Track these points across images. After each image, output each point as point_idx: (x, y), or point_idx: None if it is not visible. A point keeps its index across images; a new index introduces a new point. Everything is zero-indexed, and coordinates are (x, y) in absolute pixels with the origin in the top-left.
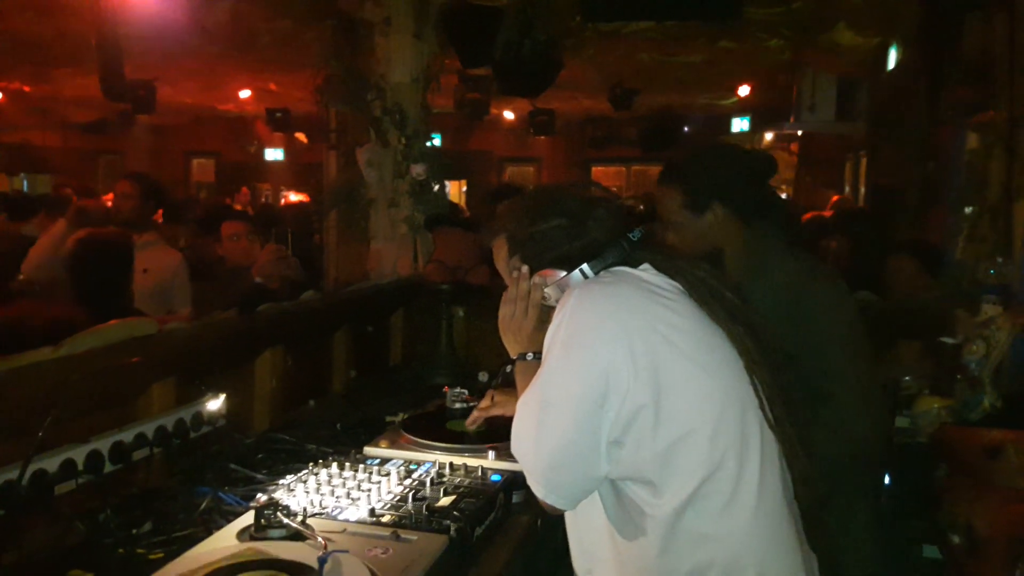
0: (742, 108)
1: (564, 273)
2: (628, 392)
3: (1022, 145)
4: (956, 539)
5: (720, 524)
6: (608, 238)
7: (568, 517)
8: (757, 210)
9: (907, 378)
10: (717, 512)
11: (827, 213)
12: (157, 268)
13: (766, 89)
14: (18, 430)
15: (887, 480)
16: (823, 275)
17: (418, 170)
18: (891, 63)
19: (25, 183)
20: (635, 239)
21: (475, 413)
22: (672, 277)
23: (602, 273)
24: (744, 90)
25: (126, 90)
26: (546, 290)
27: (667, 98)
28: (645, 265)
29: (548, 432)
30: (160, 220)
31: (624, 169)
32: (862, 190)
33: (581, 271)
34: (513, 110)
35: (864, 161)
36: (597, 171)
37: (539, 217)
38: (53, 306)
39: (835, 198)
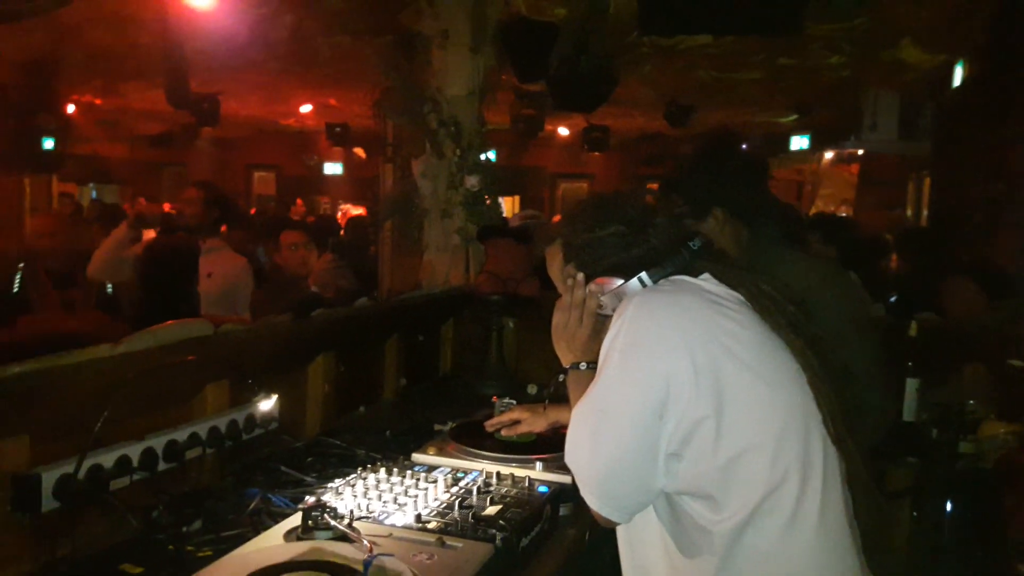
0: (802, 126)
1: (621, 281)
2: (688, 403)
3: None
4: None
5: (782, 542)
6: (667, 246)
7: (620, 532)
8: (757, 211)
9: (971, 402)
10: (779, 530)
11: (887, 234)
12: (222, 273)
13: (829, 107)
14: (77, 425)
15: (948, 508)
16: (829, 272)
17: (472, 182)
18: (957, 80)
19: (94, 193)
20: (695, 248)
21: (495, 420)
22: (734, 288)
23: (661, 282)
24: (805, 107)
25: (190, 99)
26: (601, 298)
27: (724, 115)
28: (705, 275)
29: (604, 442)
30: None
31: None
32: (924, 211)
33: (640, 279)
34: (567, 126)
35: (927, 181)
36: (652, 188)
37: (596, 223)
38: (76, 319)
39: (888, 217)
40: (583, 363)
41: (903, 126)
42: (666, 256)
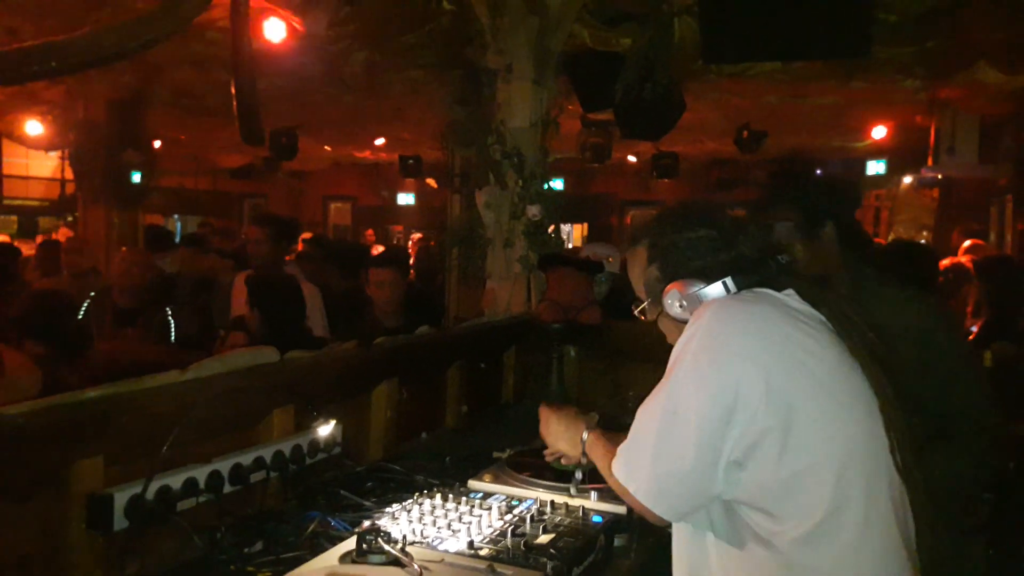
0: (878, 151)
1: (702, 285)
2: (757, 412)
3: None
4: None
5: (840, 566)
6: (755, 256)
7: (676, 542)
8: (857, 235)
9: None
10: (838, 553)
11: (965, 260)
12: None
13: (903, 131)
14: (147, 448)
15: None
16: (932, 307)
17: (533, 211)
18: None
19: (178, 224)
20: (783, 262)
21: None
22: (816, 307)
23: (743, 291)
24: (879, 132)
25: (262, 136)
26: (678, 302)
27: (797, 140)
28: (789, 291)
29: (668, 441)
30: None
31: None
32: (1008, 236)
33: (724, 284)
34: (636, 153)
35: (1010, 206)
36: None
37: (687, 225)
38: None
39: (968, 243)
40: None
41: (984, 149)
42: (753, 266)
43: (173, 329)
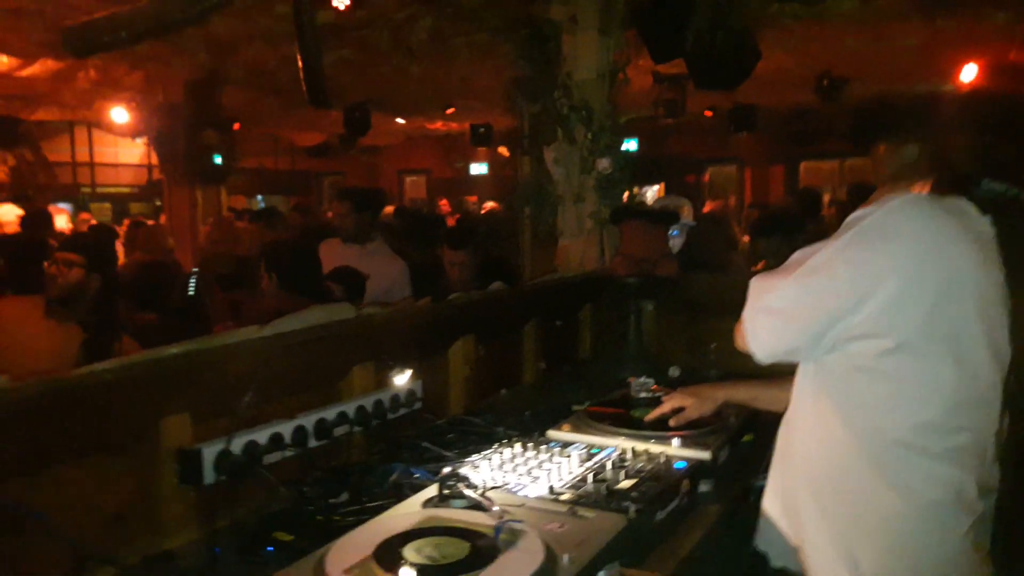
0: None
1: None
2: (884, 316)
3: None
4: None
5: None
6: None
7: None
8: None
9: None
10: (927, 466)
11: None
12: (380, 275)
13: (995, 71)
14: (232, 403)
15: None
16: None
17: (604, 164)
18: None
19: (261, 203)
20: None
21: (656, 411)
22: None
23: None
24: (969, 73)
25: (327, 95)
26: None
27: (881, 87)
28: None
29: (799, 285)
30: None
31: (837, 164)
32: None
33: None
34: (711, 109)
35: None
36: (806, 167)
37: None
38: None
39: None
40: None
41: None
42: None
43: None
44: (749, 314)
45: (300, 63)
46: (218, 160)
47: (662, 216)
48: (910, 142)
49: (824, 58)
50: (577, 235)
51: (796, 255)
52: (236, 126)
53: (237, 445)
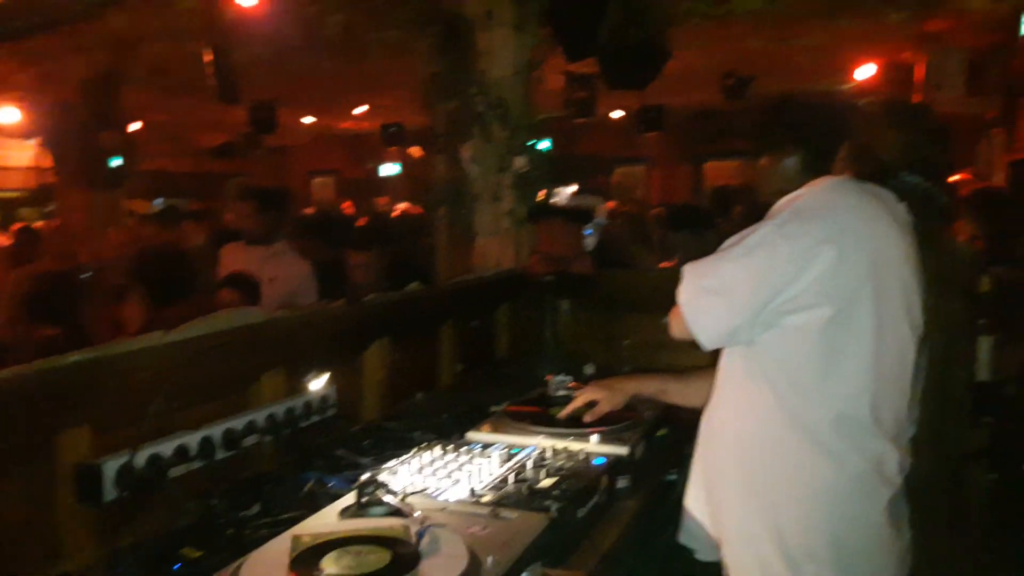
0: (864, 92)
1: None
2: (818, 287)
3: None
4: None
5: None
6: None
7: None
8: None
9: None
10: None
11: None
12: (284, 277)
13: (890, 69)
14: (135, 414)
15: None
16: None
17: (520, 163)
18: None
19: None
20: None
21: (570, 407)
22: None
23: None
24: (866, 72)
25: (237, 91)
26: None
27: (782, 85)
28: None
29: (735, 263)
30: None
31: (740, 163)
32: (997, 169)
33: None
34: (620, 109)
35: (999, 139)
36: (711, 166)
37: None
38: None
39: (960, 177)
40: None
41: (971, 83)
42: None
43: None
44: (688, 300)
45: (211, 59)
46: (116, 162)
47: (578, 215)
48: (789, 154)
49: (729, 57)
50: (494, 234)
51: (729, 240)
52: (135, 126)
53: (140, 458)
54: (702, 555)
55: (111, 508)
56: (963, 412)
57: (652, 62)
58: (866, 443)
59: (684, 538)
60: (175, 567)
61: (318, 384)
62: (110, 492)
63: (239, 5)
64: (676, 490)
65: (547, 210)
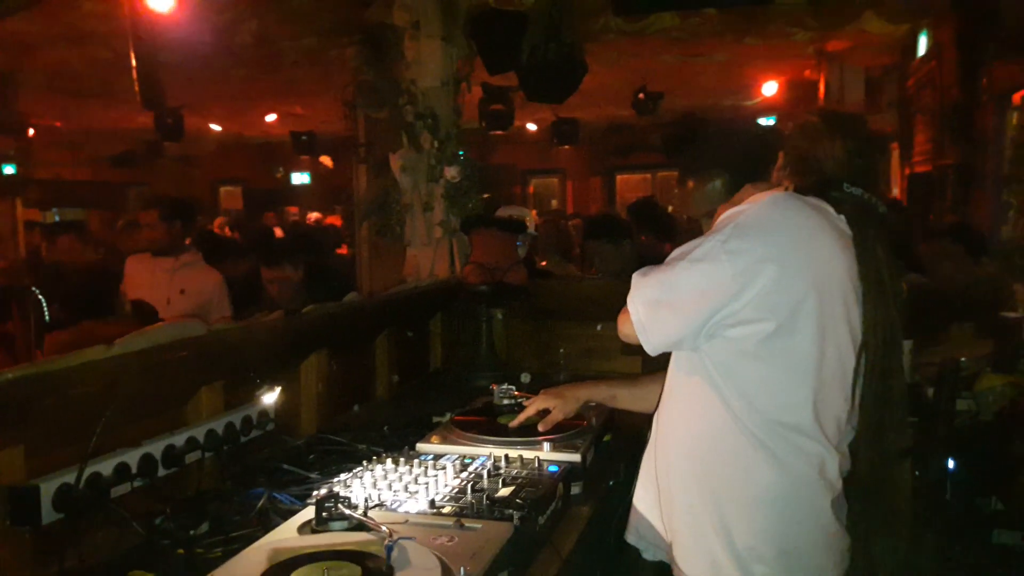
0: (768, 108)
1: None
2: (761, 301)
3: None
4: None
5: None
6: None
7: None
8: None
9: (963, 360)
10: (790, 447)
11: None
12: (195, 289)
13: (792, 86)
14: (72, 433)
15: (950, 465)
16: None
17: (452, 173)
18: (921, 50)
19: (57, 217)
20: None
21: (522, 416)
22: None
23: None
24: (770, 88)
25: (163, 98)
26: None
27: (691, 102)
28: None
29: (678, 283)
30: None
31: (649, 176)
32: (893, 183)
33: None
34: (536, 121)
35: (896, 152)
36: (622, 179)
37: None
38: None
39: None
40: None
41: (869, 100)
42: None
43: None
44: (637, 308)
45: (133, 63)
46: (11, 170)
47: (512, 225)
48: (713, 179)
49: (641, 73)
50: (426, 244)
51: (676, 251)
52: (31, 133)
53: (80, 478)
54: (649, 554)
55: (51, 531)
56: (902, 415)
57: (571, 76)
58: (809, 448)
59: (631, 537)
60: None
61: (257, 398)
62: (49, 514)
63: (149, 9)
64: (621, 493)
65: (482, 220)
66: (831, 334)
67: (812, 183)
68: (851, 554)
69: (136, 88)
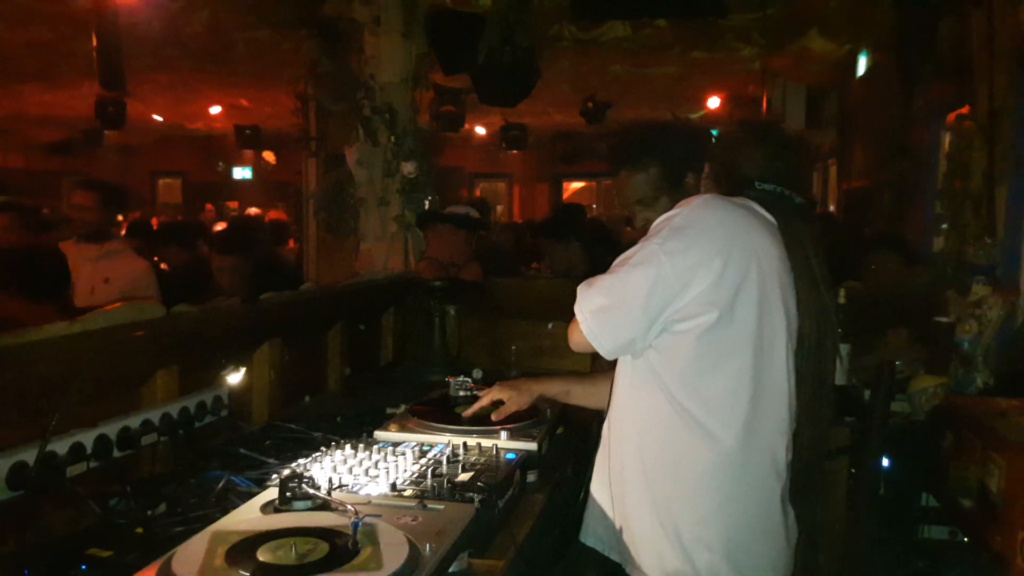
0: (711, 121)
1: None
2: (704, 294)
3: (1000, 135)
4: (967, 503)
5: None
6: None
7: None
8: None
9: (898, 363)
10: (734, 437)
11: None
12: (120, 277)
13: (736, 101)
14: (27, 411)
15: (885, 464)
16: None
17: (409, 168)
18: (861, 70)
19: None
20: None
21: (476, 406)
22: (783, 231)
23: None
24: (714, 102)
25: (124, 80)
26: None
27: (637, 112)
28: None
29: (624, 280)
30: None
31: (594, 184)
32: (831, 197)
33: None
34: (485, 126)
35: (833, 168)
36: (568, 186)
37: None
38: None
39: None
40: None
41: (810, 116)
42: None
43: None
44: (586, 317)
45: (95, 44)
46: None
47: (468, 221)
48: (646, 168)
49: (591, 82)
50: (381, 239)
51: (618, 259)
52: None
53: (34, 456)
54: (605, 552)
55: (5, 509)
56: (832, 407)
57: (525, 81)
58: (755, 437)
59: (588, 539)
60: (81, 567)
61: (213, 384)
62: (3, 491)
63: None
64: (573, 485)
65: (438, 216)
66: (768, 319)
67: (730, 187)
68: (796, 547)
69: (95, 68)
